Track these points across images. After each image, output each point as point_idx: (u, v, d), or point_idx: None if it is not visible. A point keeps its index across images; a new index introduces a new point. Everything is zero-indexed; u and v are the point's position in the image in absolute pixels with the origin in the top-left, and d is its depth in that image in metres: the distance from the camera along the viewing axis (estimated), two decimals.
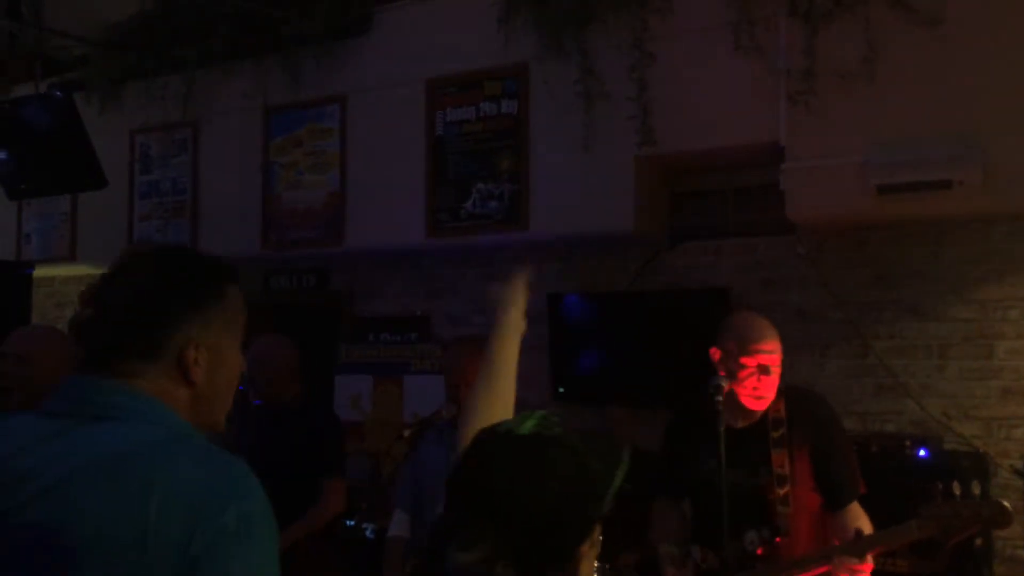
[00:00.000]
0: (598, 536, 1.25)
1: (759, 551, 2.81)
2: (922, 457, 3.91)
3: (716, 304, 4.67)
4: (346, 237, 5.65)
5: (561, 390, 5.13)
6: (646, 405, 4.53)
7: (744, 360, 2.84)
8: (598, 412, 4.96)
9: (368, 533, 4.94)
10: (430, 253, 5.62)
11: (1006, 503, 2.60)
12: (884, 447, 3.89)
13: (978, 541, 2.79)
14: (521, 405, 5.30)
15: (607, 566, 3.21)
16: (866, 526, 2.76)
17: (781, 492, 2.81)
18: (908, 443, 3.97)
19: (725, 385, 2.84)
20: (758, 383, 2.85)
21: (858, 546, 2.64)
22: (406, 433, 3.58)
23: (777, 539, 2.81)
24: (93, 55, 6.42)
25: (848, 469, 2.89)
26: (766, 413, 2.92)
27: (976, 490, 2.57)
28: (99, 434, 1.33)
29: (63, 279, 7.32)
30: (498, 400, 1.91)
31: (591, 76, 4.70)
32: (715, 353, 2.96)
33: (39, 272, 6.06)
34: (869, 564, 2.65)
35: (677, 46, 4.53)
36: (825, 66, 4.04)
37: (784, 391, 2.94)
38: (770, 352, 2.86)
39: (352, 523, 4.58)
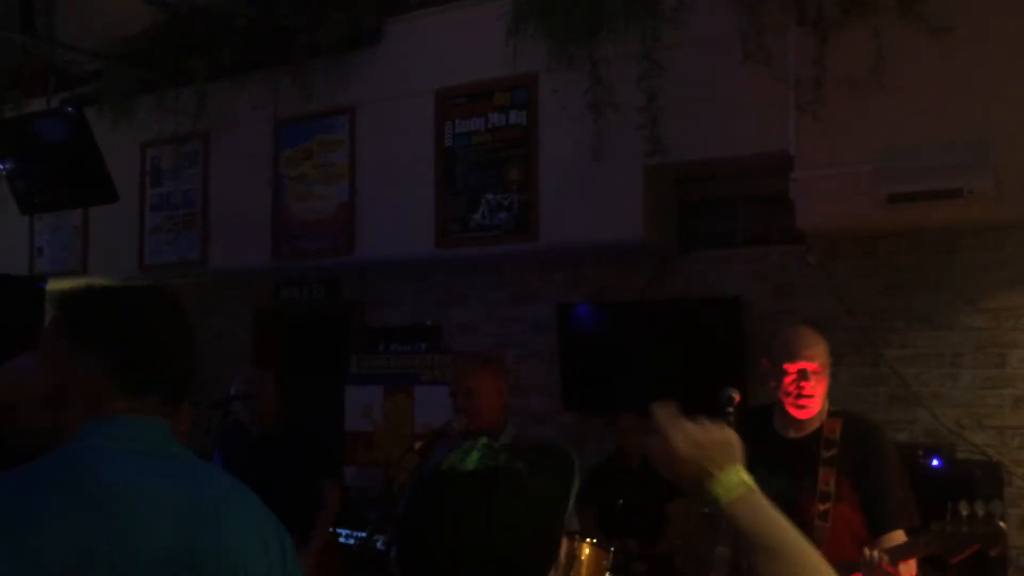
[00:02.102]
0: (565, 553, 1.24)
1: None
2: (935, 467, 3.89)
3: (726, 313, 4.67)
4: (356, 248, 5.66)
5: (571, 399, 5.12)
6: None
7: (786, 366, 2.88)
8: (608, 421, 4.95)
9: (379, 544, 4.93)
10: (440, 263, 5.63)
11: (1002, 523, 2.60)
12: None
13: (992, 552, 2.81)
14: (531, 414, 5.29)
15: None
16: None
17: (822, 507, 2.82)
18: (921, 453, 3.95)
19: (736, 396, 2.85)
20: (799, 389, 2.87)
21: (870, 559, 2.64)
22: (417, 445, 3.57)
23: None
24: (105, 69, 6.46)
25: (895, 501, 2.87)
26: (820, 430, 2.93)
27: (996, 508, 2.58)
28: (186, 474, 1.44)
29: None
30: None
31: (600, 86, 4.71)
32: (764, 363, 3.03)
33: (51, 285, 6.09)
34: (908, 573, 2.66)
35: (686, 56, 4.53)
36: (834, 75, 4.03)
37: (843, 415, 2.97)
38: (810, 358, 2.89)
39: (363, 534, 4.59)
